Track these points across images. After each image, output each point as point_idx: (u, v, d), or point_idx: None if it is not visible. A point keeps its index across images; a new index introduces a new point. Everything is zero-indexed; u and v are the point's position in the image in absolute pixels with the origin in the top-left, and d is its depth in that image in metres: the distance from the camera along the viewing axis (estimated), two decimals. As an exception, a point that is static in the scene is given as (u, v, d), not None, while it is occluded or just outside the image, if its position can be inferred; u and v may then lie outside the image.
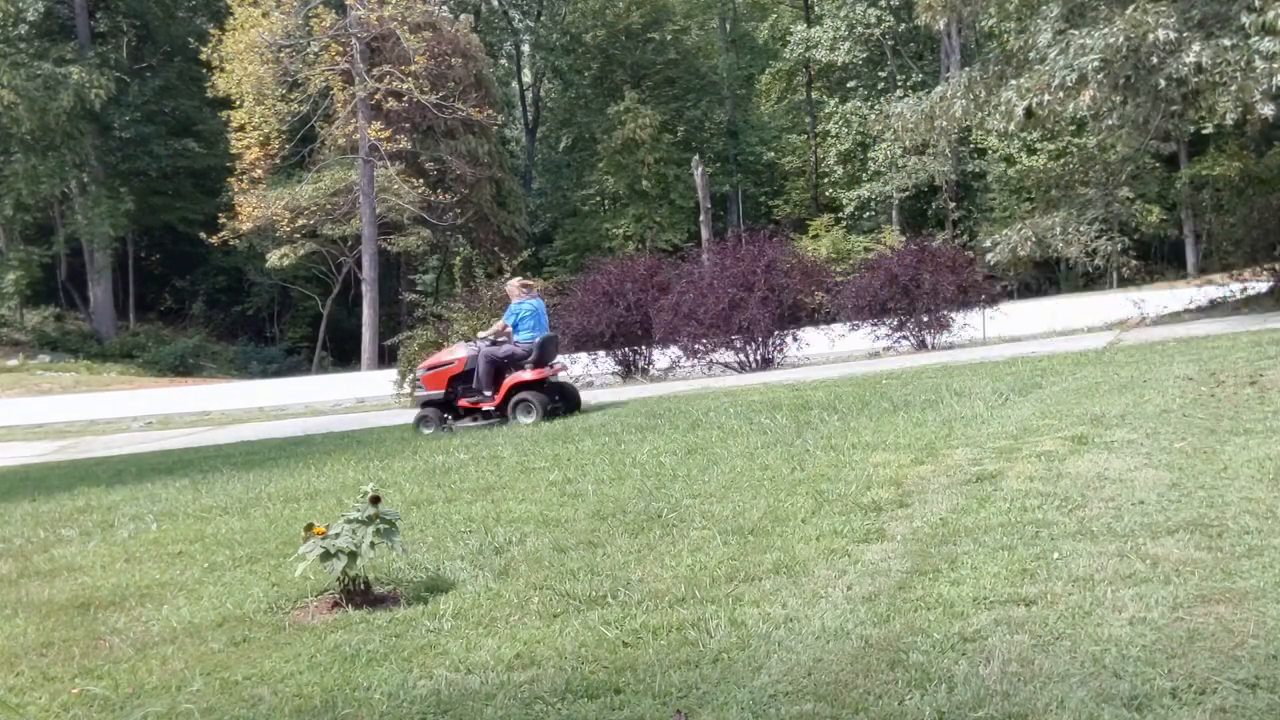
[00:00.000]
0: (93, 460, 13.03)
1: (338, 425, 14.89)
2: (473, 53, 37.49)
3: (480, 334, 12.29)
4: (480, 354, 11.63)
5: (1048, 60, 14.43)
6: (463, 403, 11.71)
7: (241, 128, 31.33)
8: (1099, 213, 15.99)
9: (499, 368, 11.59)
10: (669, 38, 47.26)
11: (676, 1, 48.28)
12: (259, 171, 31.97)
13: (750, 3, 51.28)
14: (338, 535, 4.26)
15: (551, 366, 11.83)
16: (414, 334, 17.58)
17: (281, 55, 30.93)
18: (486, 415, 11.60)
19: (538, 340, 11.55)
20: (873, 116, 21.92)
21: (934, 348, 15.98)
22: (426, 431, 11.46)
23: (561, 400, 11.83)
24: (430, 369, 12.04)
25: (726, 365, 16.85)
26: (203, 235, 34.25)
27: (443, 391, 11.77)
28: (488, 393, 11.56)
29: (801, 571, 4.15)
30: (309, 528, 4.35)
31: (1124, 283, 23.86)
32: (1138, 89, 14.27)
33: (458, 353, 12.03)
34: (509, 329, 11.75)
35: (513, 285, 12.29)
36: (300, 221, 33.39)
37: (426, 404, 11.88)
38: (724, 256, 17.38)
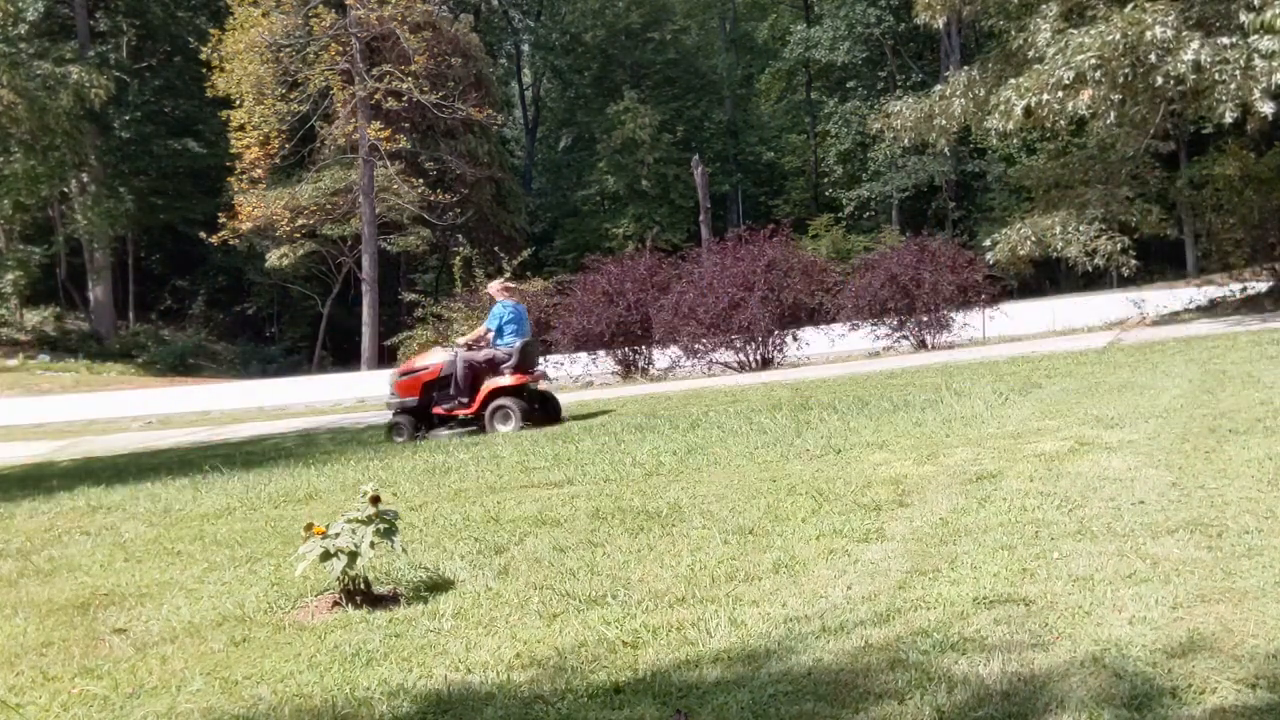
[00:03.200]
0: (93, 459, 13.02)
1: (338, 425, 14.90)
2: (473, 53, 37.47)
3: (459, 339, 11.91)
4: (458, 359, 11.24)
5: (1046, 59, 14.43)
6: (438, 410, 11.30)
7: (241, 127, 31.29)
8: (1099, 212, 15.99)
9: (477, 374, 11.19)
10: (669, 37, 47.25)
11: (676, 1, 48.28)
12: (259, 171, 31.92)
13: (750, 3, 51.30)
14: (338, 535, 4.26)
15: (532, 373, 11.40)
16: (414, 334, 17.62)
17: (281, 55, 30.89)
18: (463, 423, 11.22)
19: (518, 345, 11.19)
20: (872, 116, 21.92)
21: (934, 347, 15.98)
22: (399, 440, 11.05)
23: (541, 409, 11.36)
24: (404, 374, 11.63)
25: (726, 365, 16.86)
26: (203, 235, 34.21)
27: (417, 399, 11.34)
28: (464, 399, 11.16)
29: (801, 571, 4.15)
30: (309, 527, 4.35)
31: (1124, 282, 23.82)
32: (1136, 88, 14.27)
33: (434, 358, 11.63)
34: (490, 334, 11.41)
35: (494, 287, 11.93)
36: (300, 221, 33.34)
37: (400, 411, 11.41)
38: (724, 256, 17.39)
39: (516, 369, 11.12)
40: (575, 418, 11.41)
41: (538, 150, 52.34)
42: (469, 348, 11.39)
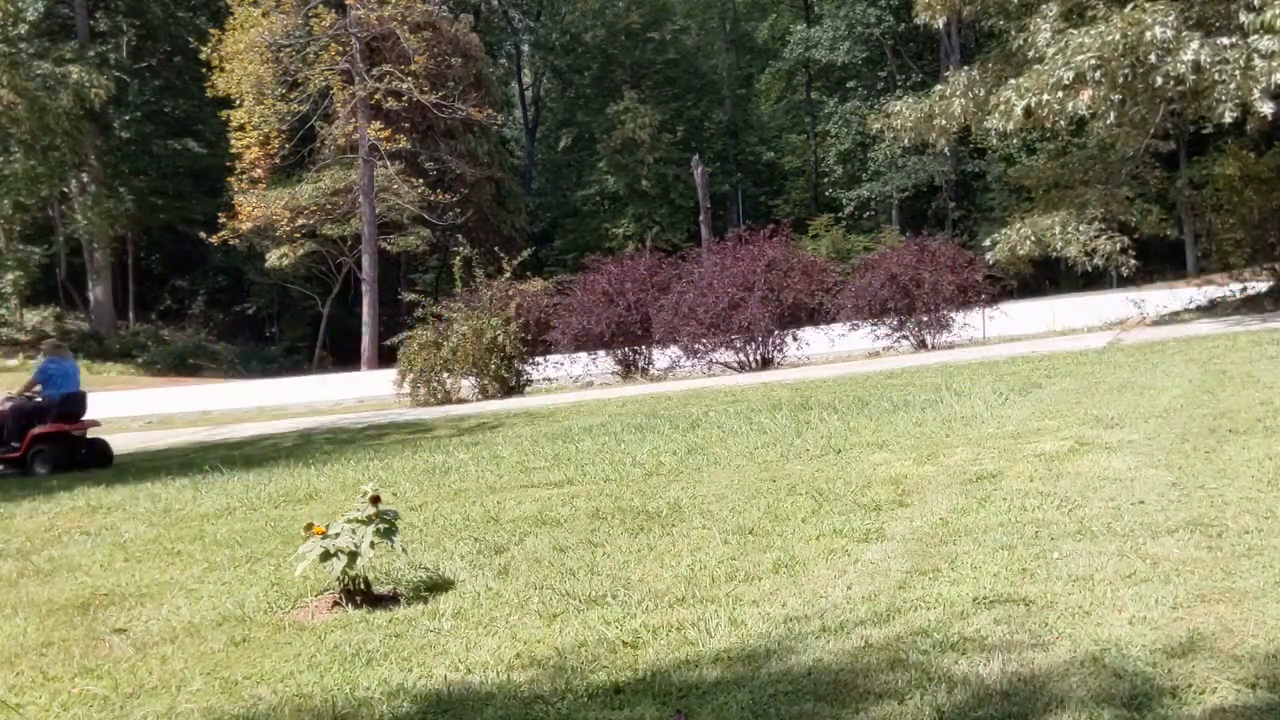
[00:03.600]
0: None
1: (338, 425, 14.90)
2: (473, 52, 37.48)
3: (9, 393, 12.97)
4: (9, 408, 12.29)
5: (1046, 60, 14.43)
6: None
7: (241, 127, 31.29)
8: (1098, 212, 15.99)
9: (26, 420, 12.16)
10: (669, 38, 47.27)
11: (676, 1, 48.29)
12: (259, 171, 31.93)
13: (750, 3, 51.30)
14: (338, 535, 4.26)
15: (79, 422, 12.34)
16: (414, 334, 17.59)
17: (281, 55, 30.90)
18: (13, 464, 12.15)
19: (58, 397, 12.16)
20: (872, 116, 21.93)
21: (934, 347, 15.98)
22: None
23: (88, 454, 12.32)
24: None
25: (726, 365, 16.85)
26: (203, 235, 34.22)
27: None
28: (14, 444, 12.13)
29: (801, 571, 4.15)
30: (309, 527, 4.35)
31: (1124, 282, 23.83)
32: (1136, 88, 14.27)
33: None
34: (38, 386, 12.40)
35: (45, 345, 13.12)
36: (300, 221, 33.34)
37: None
38: (724, 256, 17.37)
39: (59, 419, 12.16)
40: (576, 418, 11.42)
41: (538, 150, 52.35)
42: (27, 398, 12.44)
